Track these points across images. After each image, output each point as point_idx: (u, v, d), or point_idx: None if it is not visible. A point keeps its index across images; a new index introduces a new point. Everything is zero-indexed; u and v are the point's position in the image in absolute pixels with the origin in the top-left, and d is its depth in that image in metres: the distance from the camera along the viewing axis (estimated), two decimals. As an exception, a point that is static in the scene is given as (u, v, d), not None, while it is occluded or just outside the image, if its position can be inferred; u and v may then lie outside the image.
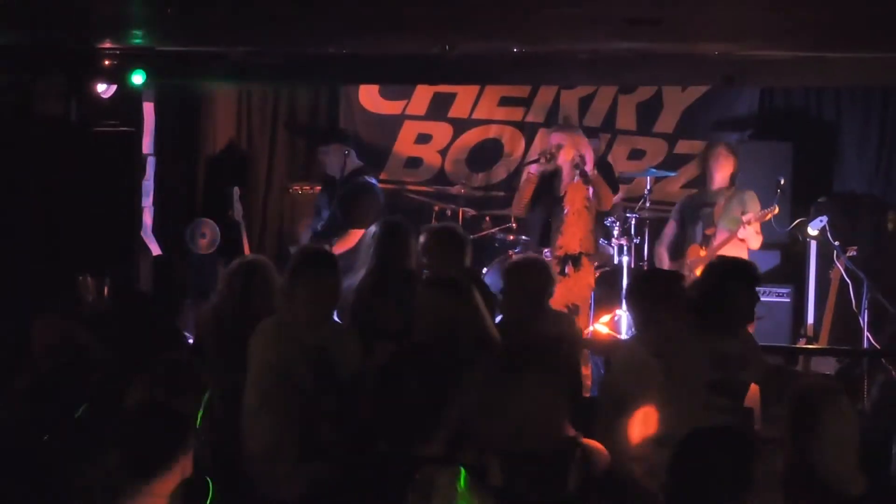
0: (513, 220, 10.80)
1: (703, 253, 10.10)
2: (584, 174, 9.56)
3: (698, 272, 9.72)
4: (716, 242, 10.09)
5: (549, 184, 9.82)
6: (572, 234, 9.55)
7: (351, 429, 5.54)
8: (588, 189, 9.70)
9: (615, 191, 11.49)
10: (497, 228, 11.09)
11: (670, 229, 10.64)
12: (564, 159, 9.70)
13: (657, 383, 5.73)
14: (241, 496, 5.60)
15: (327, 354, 6.00)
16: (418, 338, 5.80)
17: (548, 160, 9.73)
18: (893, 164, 11.65)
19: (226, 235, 10.91)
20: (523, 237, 10.57)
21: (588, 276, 9.72)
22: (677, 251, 10.48)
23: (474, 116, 12.56)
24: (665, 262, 10.47)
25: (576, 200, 9.56)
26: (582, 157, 9.60)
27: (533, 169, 9.83)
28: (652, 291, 6.21)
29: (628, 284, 8.36)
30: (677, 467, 3.95)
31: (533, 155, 10.47)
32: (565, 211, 9.56)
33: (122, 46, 9.32)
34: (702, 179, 11.03)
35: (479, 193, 12.14)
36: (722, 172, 10.38)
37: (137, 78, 9.50)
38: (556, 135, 9.99)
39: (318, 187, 11.11)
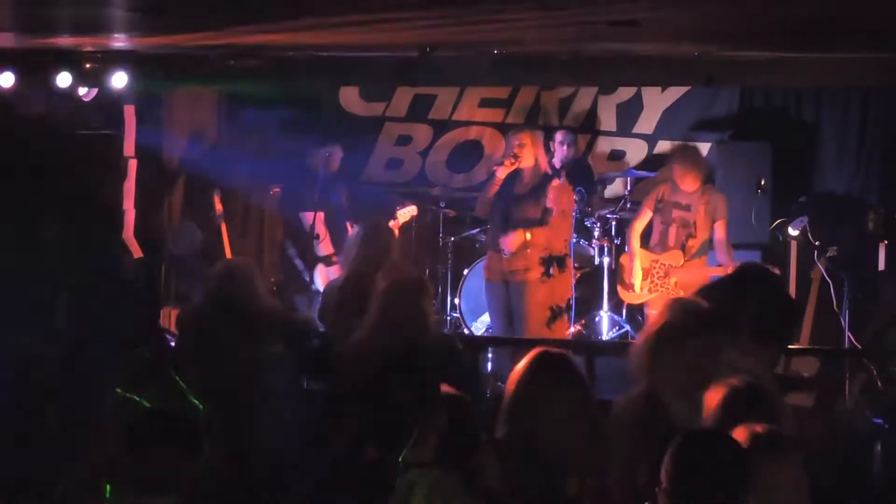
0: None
1: (681, 263, 9.98)
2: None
3: (673, 281, 9.83)
4: (697, 262, 9.95)
5: (510, 184, 9.58)
6: (556, 235, 9.46)
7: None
8: (572, 190, 9.69)
9: (595, 192, 11.51)
10: (478, 229, 11.08)
11: (644, 217, 10.16)
12: (528, 159, 9.51)
13: None
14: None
15: None
16: None
17: (512, 162, 9.50)
18: (873, 164, 11.69)
19: (207, 238, 10.90)
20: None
21: (570, 277, 9.70)
22: (653, 243, 10.16)
23: (455, 118, 12.58)
24: (635, 249, 10.09)
25: (562, 201, 9.46)
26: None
27: (500, 172, 9.55)
28: None
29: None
30: (676, 470, 3.88)
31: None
32: (551, 212, 9.46)
33: (104, 49, 9.29)
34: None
35: (459, 195, 12.13)
36: (691, 176, 9.89)
37: (119, 80, 9.46)
38: (519, 135, 9.73)
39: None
